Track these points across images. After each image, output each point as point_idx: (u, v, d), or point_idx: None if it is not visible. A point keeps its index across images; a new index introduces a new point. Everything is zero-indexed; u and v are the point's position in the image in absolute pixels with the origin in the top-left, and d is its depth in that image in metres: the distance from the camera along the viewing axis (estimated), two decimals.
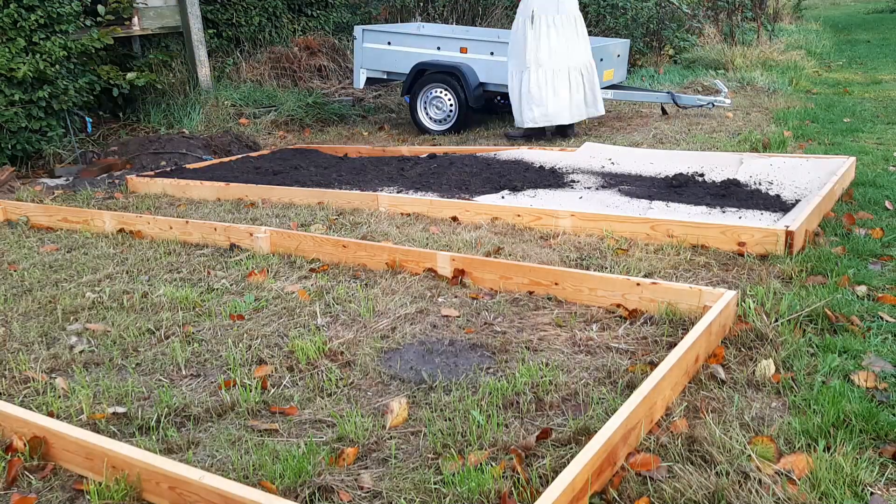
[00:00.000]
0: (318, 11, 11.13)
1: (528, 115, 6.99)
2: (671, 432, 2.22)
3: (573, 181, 5.32)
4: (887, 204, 4.39)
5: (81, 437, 2.17)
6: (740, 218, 4.28)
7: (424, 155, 6.47)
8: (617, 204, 4.69)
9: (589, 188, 5.13)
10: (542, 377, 2.56)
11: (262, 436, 2.33)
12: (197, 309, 3.38)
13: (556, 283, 3.29)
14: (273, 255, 4.08)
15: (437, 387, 2.57)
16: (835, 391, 2.35)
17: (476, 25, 11.24)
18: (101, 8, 7.67)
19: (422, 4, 11.85)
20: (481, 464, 2.09)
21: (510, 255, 3.84)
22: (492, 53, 7.83)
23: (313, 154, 6.95)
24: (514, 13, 7.45)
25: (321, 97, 9.33)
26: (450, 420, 2.34)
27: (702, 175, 5.14)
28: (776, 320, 2.88)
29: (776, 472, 2.02)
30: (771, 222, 4.13)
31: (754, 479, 1.98)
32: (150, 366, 2.87)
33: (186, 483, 1.95)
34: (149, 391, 2.67)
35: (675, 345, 2.60)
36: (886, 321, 2.92)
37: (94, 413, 2.50)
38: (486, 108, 8.55)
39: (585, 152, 5.95)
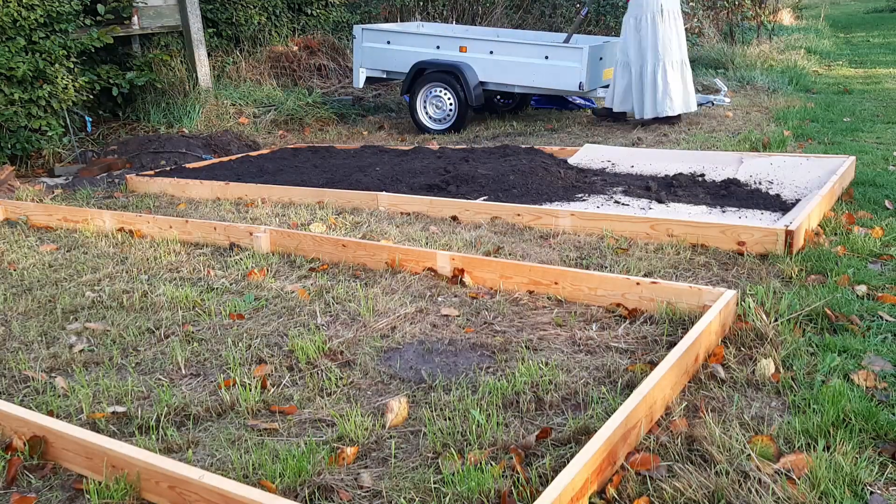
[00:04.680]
0: (318, 11, 11.13)
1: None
2: (671, 431, 2.22)
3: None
4: (887, 203, 4.39)
5: (81, 436, 2.16)
6: (740, 217, 4.28)
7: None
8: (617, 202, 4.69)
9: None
10: (541, 377, 2.56)
11: (261, 435, 2.33)
12: (197, 308, 3.38)
13: (556, 283, 3.29)
14: (273, 255, 4.08)
15: (436, 386, 2.57)
16: (834, 390, 2.35)
17: (476, 24, 11.24)
18: (100, 7, 7.67)
19: (421, 4, 11.86)
20: (481, 463, 2.09)
21: (510, 254, 3.84)
22: (491, 52, 7.84)
23: (319, 152, 6.94)
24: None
25: (321, 96, 9.33)
26: (449, 419, 2.34)
27: (702, 175, 5.14)
28: (776, 320, 2.88)
29: (776, 472, 2.02)
30: (771, 222, 4.14)
31: (754, 478, 1.98)
32: (150, 365, 2.86)
33: (186, 482, 1.95)
34: (148, 390, 2.66)
35: (675, 344, 2.59)
36: (886, 320, 2.92)
37: (93, 412, 2.50)
38: (485, 107, 8.55)
39: (585, 154, 5.95)
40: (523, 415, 2.37)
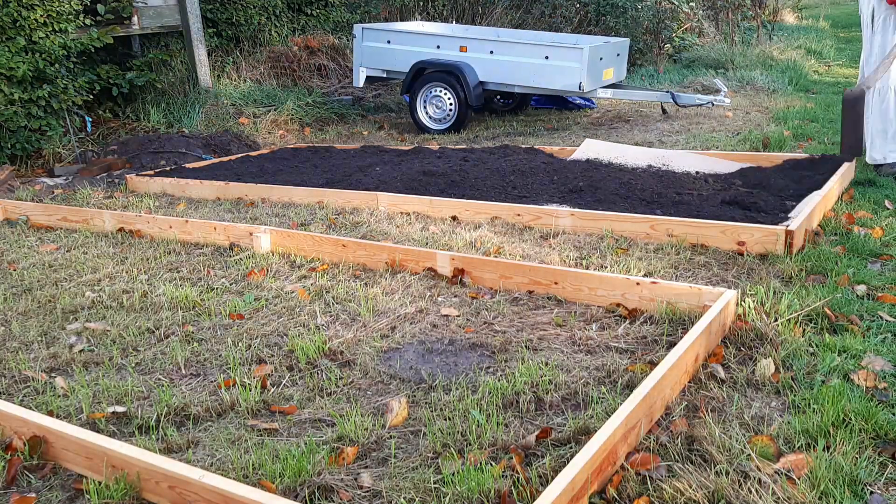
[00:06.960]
0: (318, 10, 11.13)
1: None
2: (671, 431, 2.22)
3: None
4: (887, 203, 4.39)
5: (81, 436, 2.16)
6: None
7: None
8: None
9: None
10: (541, 377, 2.56)
11: (261, 435, 2.33)
12: (196, 308, 3.38)
13: (556, 283, 3.29)
14: (273, 255, 4.08)
15: (436, 386, 2.57)
16: (834, 390, 2.35)
17: (476, 24, 11.23)
18: (100, 7, 7.67)
19: (422, 3, 11.86)
20: (481, 463, 2.09)
21: (510, 254, 3.84)
22: (491, 52, 7.83)
23: (319, 152, 6.94)
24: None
25: (321, 96, 9.33)
26: (449, 419, 2.34)
27: (703, 174, 5.14)
28: (776, 320, 2.88)
29: (776, 472, 2.02)
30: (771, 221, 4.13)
31: (754, 478, 1.98)
32: (150, 365, 2.86)
33: (186, 482, 1.95)
34: (148, 390, 2.66)
35: (675, 344, 2.59)
36: (886, 320, 2.92)
37: (93, 412, 2.50)
38: (485, 107, 8.55)
39: (585, 151, 5.95)
40: (523, 415, 2.37)
